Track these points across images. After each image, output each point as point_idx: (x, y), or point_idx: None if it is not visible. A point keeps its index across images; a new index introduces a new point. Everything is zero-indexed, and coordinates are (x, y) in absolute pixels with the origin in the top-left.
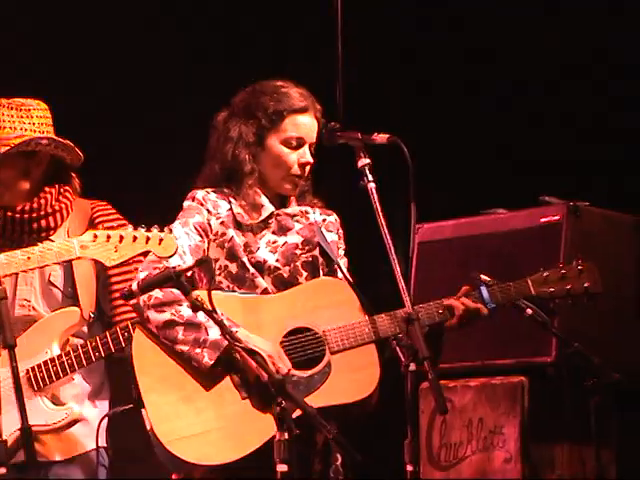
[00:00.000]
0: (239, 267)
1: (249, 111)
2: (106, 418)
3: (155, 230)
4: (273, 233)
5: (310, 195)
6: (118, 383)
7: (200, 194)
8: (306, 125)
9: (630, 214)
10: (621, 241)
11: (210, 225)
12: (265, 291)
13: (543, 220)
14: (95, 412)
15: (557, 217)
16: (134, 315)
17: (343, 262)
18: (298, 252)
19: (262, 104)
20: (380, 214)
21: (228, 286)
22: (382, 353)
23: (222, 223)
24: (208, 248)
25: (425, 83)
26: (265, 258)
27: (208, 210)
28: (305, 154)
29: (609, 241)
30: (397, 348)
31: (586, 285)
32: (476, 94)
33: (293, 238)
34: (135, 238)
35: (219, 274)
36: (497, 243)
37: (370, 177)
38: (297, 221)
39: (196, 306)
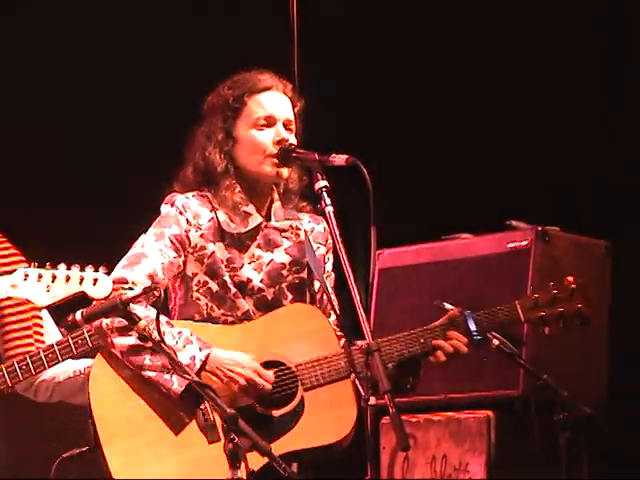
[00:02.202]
0: (220, 286)
1: (213, 109)
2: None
3: (89, 270)
4: (258, 247)
5: (297, 197)
6: (10, 423)
7: (180, 201)
8: (272, 101)
9: (600, 238)
10: (592, 267)
11: (188, 237)
12: (246, 313)
13: (510, 246)
14: None
15: (525, 242)
16: (28, 350)
17: (330, 279)
18: (285, 273)
19: (223, 97)
20: (338, 239)
21: (207, 304)
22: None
23: (202, 236)
24: (185, 262)
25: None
26: (249, 277)
27: (187, 220)
28: (280, 132)
29: (579, 267)
30: (356, 381)
31: (579, 306)
32: (442, 112)
33: (280, 257)
34: (68, 278)
35: (197, 290)
36: (461, 269)
37: (328, 200)
38: (286, 238)
39: (143, 337)
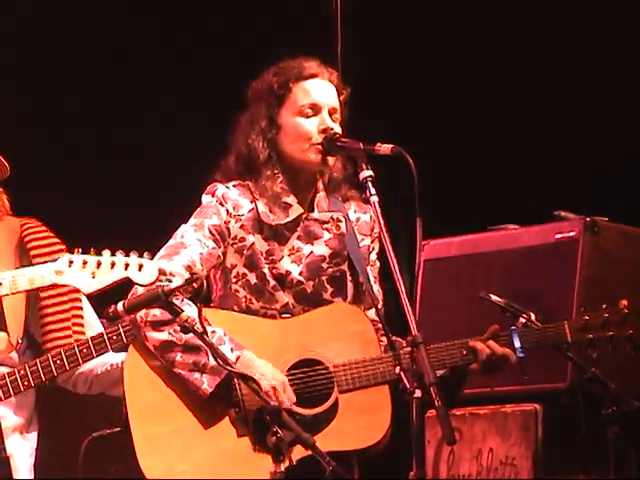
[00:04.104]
0: (259, 278)
1: (257, 96)
2: (33, 455)
3: (134, 256)
4: (298, 239)
5: (346, 186)
6: (49, 416)
7: (221, 190)
8: (317, 89)
9: None
10: None
11: (228, 228)
12: (285, 306)
13: (558, 236)
14: (21, 448)
15: (573, 233)
16: (66, 342)
17: (374, 269)
18: (324, 265)
19: (267, 83)
20: (383, 230)
21: (245, 297)
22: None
23: (242, 227)
24: (225, 252)
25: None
26: (288, 269)
27: (227, 211)
28: (324, 120)
29: (629, 259)
30: (401, 373)
31: (630, 332)
32: (487, 102)
33: (320, 249)
34: (113, 264)
35: (236, 282)
36: (508, 261)
37: (373, 190)
38: (327, 230)
39: (186, 328)
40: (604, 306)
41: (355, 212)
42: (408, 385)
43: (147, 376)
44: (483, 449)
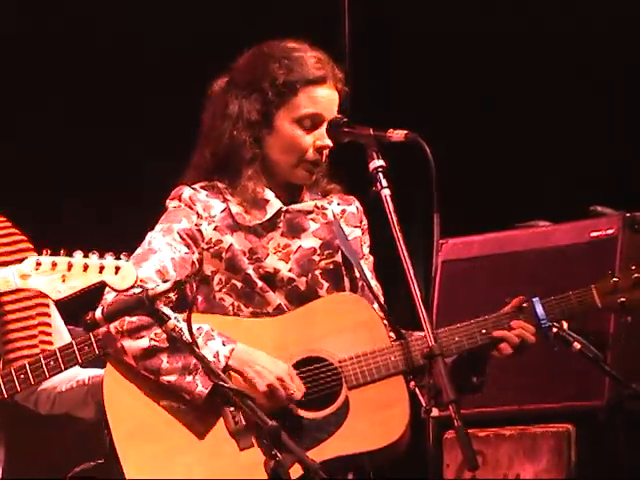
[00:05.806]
0: (244, 281)
1: (253, 81)
2: None
3: (110, 257)
4: (282, 235)
5: (325, 180)
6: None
7: (187, 193)
8: (325, 99)
9: None
10: None
11: (200, 231)
12: (278, 308)
13: (594, 234)
14: None
15: (611, 231)
16: (33, 352)
17: (369, 262)
18: (316, 258)
19: (270, 73)
20: (396, 227)
21: (232, 304)
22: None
23: (216, 228)
24: (201, 259)
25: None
26: (276, 267)
27: (198, 213)
28: (323, 137)
29: None
30: (416, 389)
31: None
32: (514, 91)
33: (309, 242)
34: (87, 266)
35: (220, 289)
36: (537, 262)
37: (384, 182)
38: (312, 220)
39: (173, 338)
40: (633, 267)
41: (339, 205)
42: (424, 403)
43: (130, 393)
44: (509, 475)
